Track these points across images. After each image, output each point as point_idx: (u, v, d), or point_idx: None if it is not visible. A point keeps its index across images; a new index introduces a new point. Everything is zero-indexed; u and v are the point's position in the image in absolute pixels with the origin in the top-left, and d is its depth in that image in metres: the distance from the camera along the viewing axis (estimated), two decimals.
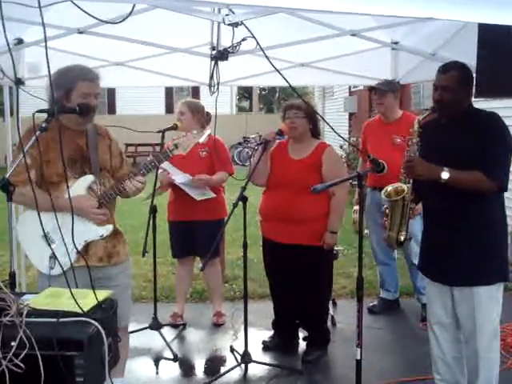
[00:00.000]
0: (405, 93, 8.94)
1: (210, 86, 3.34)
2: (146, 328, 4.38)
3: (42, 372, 1.85)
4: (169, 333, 4.49)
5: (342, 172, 3.77)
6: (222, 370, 3.89)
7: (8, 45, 1.74)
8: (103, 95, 20.08)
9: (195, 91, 19.16)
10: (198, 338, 4.50)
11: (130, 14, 1.89)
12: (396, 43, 4.49)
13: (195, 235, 4.48)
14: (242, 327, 3.96)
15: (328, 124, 2.90)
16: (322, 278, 3.97)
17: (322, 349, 4.11)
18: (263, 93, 31.83)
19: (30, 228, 2.85)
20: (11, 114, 4.77)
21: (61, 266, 2.39)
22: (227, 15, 2.29)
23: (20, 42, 4.20)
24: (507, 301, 3.08)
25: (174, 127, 4.09)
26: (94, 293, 2.13)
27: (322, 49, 4.53)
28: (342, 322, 4.66)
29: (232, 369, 3.83)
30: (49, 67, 1.88)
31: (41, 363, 1.86)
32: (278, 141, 4.00)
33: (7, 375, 1.86)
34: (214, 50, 3.36)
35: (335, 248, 4.07)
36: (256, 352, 4.06)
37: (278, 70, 2.34)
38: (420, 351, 3.85)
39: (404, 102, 4.60)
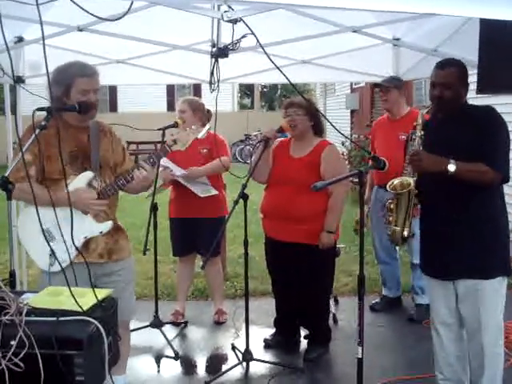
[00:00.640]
0: (406, 89, 8.90)
1: (210, 83, 3.33)
2: (147, 326, 4.38)
3: (42, 371, 1.85)
4: (170, 331, 4.48)
5: (342, 171, 3.73)
6: (224, 368, 3.88)
7: (6, 43, 1.73)
8: (105, 93, 20.08)
9: (197, 89, 19.17)
10: (200, 336, 4.50)
11: (128, 11, 1.88)
12: (397, 39, 4.47)
13: (196, 233, 4.47)
14: (244, 325, 3.95)
15: (329, 121, 2.89)
16: (323, 276, 3.96)
17: (324, 347, 4.10)
18: (265, 90, 31.79)
19: (31, 224, 2.84)
20: (12, 112, 4.76)
21: (59, 263, 2.38)
22: (226, 12, 2.28)
23: (20, 40, 4.20)
24: (510, 298, 3.06)
25: (175, 125, 4.08)
26: (94, 291, 2.12)
27: (324, 45, 4.52)
28: (343, 320, 4.65)
29: (233, 367, 3.82)
30: (47, 65, 1.87)
31: (40, 362, 1.85)
32: (279, 138, 3.99)
33: (7, 374, 1.86)
34: (214, 47, 3.35)
35: (337, 245, 4.06)
36: (257, 350, 4.06)
37: (277, 67, 2.33)
38: (422, 349, 3.84)
39: (406, 98, 4.59)
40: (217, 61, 3.01)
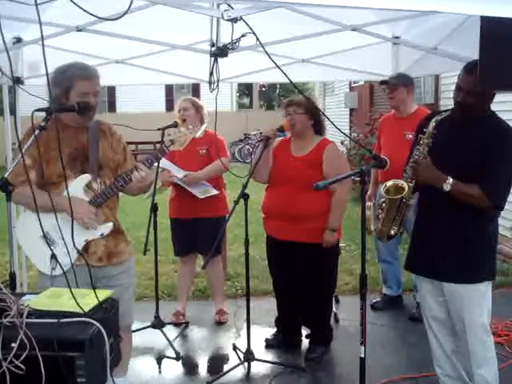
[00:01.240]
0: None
1: (209, 82, 3.31)
2: (148, 327, 4.37)
3: (43, 373, 1.84)
4: (171, 331, 4.47)
5: (344, 169, 3.72)
6: (225, 368, 3.88)
7: (4, 43, 1.71)
8: (103, 93, 20.06)
9: (195, 89, 19.14)
10: (201, 337, 4.49)
11: (128, 10, 1.87)
12: (397, 38, 4.47)
13: (197, 232, 4.47)
14: (245, 325, 3.95)
15: (329, 120, 2.87)
16: (325, 275, 3.95)
17: (325, 346, 4.10)
18: (263, 89, 31.78)
19: (30, 228, 2.83)
20: (10, 113, 4.75)
21: (61, 267, 2.37)
22: (226, 10, 2.27)
23: (19, 40, 4.19)
24: (510, 297, 3.06)
25: (175, 125, 4.06)
26: (95, 292, 2.11)
27: (323, 44, 4.51)
28: (344, 319, 4.64)
29: (235, 367, 3.81)
30: (46, 66, 1.86)
31: (42, 364, 1.84)
32: (280, 137, 3.98)
33: (8, 377, 1.85)
34: (213, 46, 3.33)
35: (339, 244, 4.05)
36: (259, 350, 4.05)
37: (278, 66, 2.32)
38: (424, 347, 3.81)
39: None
40: (216, 60, 2.99)
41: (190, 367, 4.02)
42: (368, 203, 4.72)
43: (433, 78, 8.85)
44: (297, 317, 4.17)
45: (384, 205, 2.98)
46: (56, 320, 1.95)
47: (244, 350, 3.87)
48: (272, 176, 3.92)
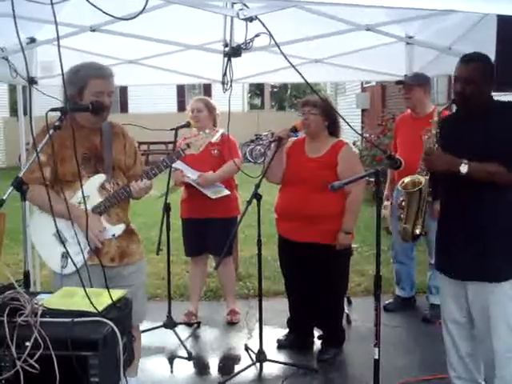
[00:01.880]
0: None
1: (223, 83, 3.31)
2: (160, 326, 4.37)
3: (57, 372, 1.84)
4: (183, 331, 4.47)
5: (358, 171, 3.68)
6: (237, 368, 3.87)
7: (21, 44, 1.72)
8: (115, 93, 20.08)
9: (207, 89, 19.16)
10: (213, 337, 4.49)
11: (143, 9, 1.86)
12: (411, 37, 4.43)
13: (208, 233, 4.46)
14: (257, 325, 3.94)
15: (344, 120, 2.85)
16: (338, 276, 3.93)
17: (338, 347, 4.07)
18: (275, 90, 31.73)
19: (42, 227, 2.85)
20: (24, 114, 4.78)
21: (74, 263, 2.38)
22: (241, 10, 2.26)
23: (32, 41, 4.21)
24: None
25: (187, 125, 4.07)
26: (109, 292, 2.11)
27: (336, 44, 4.48)
28: (357, 320, 4.62)
29: (247, 368, 3.81)
30: (61, 65, 1.86)
31: (55, 363, 1.84)
32: (293, 138, 3.96)
33: (22, 376, 1.85)
34: (226, 46, 3.33)
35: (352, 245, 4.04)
36: (271, 351, 4.04)
37: (294, 67, 2.30)
38: (437, 349, 3.79)
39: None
40: (230, 60, 2.99)
41: (202, 367, 4.02)
42: (385, 203, 4.69)
43: (446, 78, 8.80)
44: (309, 318, 4.15)
45: (404, 203, 2.96)
46: (70, 319, 1.96)
47: (256, 350, 3.86)
48: (286, 177, 3.91)
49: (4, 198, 2.29)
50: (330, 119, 3.86)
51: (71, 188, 2.80)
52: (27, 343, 1.86)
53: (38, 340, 1.86)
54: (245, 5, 2.27)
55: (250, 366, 3.83)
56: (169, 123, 4.45)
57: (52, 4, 1.68)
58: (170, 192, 4.18)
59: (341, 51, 4.73)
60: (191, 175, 4.31)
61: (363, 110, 14.75)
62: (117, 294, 2.16)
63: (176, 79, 5.32)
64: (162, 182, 3.91)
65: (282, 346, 4.17)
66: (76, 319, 1.96)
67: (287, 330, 4.26)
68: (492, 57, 2.74)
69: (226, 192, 4.39)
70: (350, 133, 8.38)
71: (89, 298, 2.03)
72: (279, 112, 27.45)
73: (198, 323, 4.65)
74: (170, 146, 3.41)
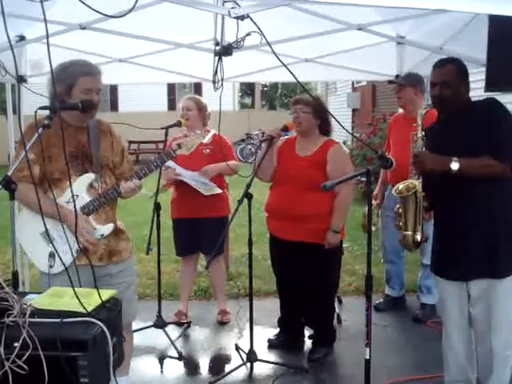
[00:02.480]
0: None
1: (214, 82, 3.30)
2: (150, 326, 4.35)
3: (46, 373, 1.82)
4: (173, 331, 4.46)
5: (349, 170, 3.69)
6: (227, 368, 3.86)
7: (9, 42, 1.70)
8: (105, 92, 20.02)
9: (197, 88, 19.10)
10: (203, 337, 4.48)
11: (134, 7, 1.85)
12: (402, 37, 4.44)
13: (199, 232, 4.45)
14: (247, 325, 3.93)
15: (336, 119, 2.85)
16: (328, 275, 3.93)
17: (328, 347, 4.07)
18: (265, 89, 31.74)
19: (30, 227, 2.82)
20: (14, 112, 4.73)
21: (62, 262, 2.36)
22: (233, 8, 2.25)
23: (22, 38, 4.17)
24: None
25: (178, 124, 4.05)
26: (98, 292, 2.09)
27: (327, 44, 4.49)
28: (347, 320, 4.62)
29: (237, 367, 3.80)
30: (51, 63, 1.84)
31: (44, 364, 1.82)
32: (284, 137, 3.96)
33: (10, 376, 1.83)
34: (217, 45, 3.32)
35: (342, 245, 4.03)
36: (261, 350, 4.03)
37: (285, 66, 2.30)
38: (428, 348, 3.82)
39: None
40: (220, 59, 2.98)
41: (192, 367, 4.00)
42: (374, 202, 4.69)
43: None
44: (300, 317, 4.15)
45: (401, 210, 2.96)
46: (59, 320, 1.94)
47: (246, 350, 3.86)
48: (276, 175, 3.91)
49: None
50: (322, 118, 3.86)
51: (59, 187, 2.77)
52: (16, 344, 1.84)
53: (26, 340, 1.84)
54: (236, 3, 2.26)
55: (240, 365, 3.82)
56: (159, 122, 4.42)
57: (41, 1, 1.66)
58: (159, 192, 4.16)
59: (332, 50, 4.73)
60: (184, 174, 4.29)
61: (354, 110, 14.78)
62: (106, 293, 2.15)
63: (166, 78, 5.29)
64: (153, 180, 3.90)
65: (272, 345, 4.17)
66: (65, 319, 1.94)
67: (278, 330, 4.26)
68: (482, 57, 2.75)
69: (218, 190, 4.38)
70: (339, 131, 8.39)
71: (78, 298, 2.01)
72: (270, 111, 27.45)
73: (189, 323, 4.63)
74: (161, 146, 3.39)
